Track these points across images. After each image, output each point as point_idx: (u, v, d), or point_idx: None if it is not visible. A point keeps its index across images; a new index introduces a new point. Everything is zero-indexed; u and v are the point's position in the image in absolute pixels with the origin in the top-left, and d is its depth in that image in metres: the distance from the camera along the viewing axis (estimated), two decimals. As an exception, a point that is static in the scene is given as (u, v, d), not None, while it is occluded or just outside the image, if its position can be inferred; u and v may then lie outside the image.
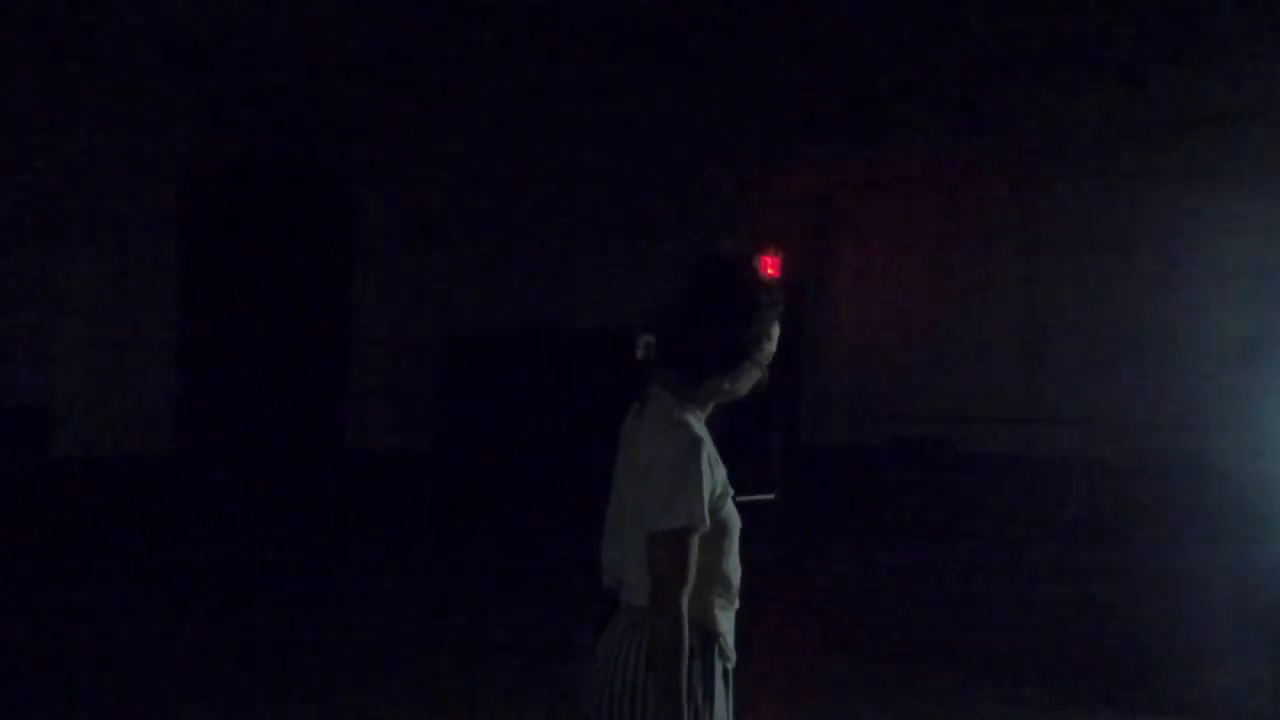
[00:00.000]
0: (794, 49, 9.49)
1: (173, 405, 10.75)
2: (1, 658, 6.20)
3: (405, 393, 11.90)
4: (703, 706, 2.31)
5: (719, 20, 8.87)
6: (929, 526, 10.83)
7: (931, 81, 10.02)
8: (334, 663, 6.45)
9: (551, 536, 10.47)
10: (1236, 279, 9.00)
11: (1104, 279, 10.67)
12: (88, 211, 10.30)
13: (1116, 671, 6.32)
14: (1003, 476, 10.93)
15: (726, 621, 2.37)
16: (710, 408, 2.49)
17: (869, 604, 7.95)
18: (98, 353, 10.42)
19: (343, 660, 6.52)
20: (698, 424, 2.38)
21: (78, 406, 10.22)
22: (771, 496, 12.79)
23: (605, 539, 2.52)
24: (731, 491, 2.37)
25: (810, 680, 6.29)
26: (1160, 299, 10.03)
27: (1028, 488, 10.61)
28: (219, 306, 11.02)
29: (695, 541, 2.26)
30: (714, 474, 2.33)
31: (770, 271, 11.06)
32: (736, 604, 2.39)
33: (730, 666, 2.38)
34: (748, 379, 2.48)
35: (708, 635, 2.34)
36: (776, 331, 2.47)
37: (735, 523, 2.37)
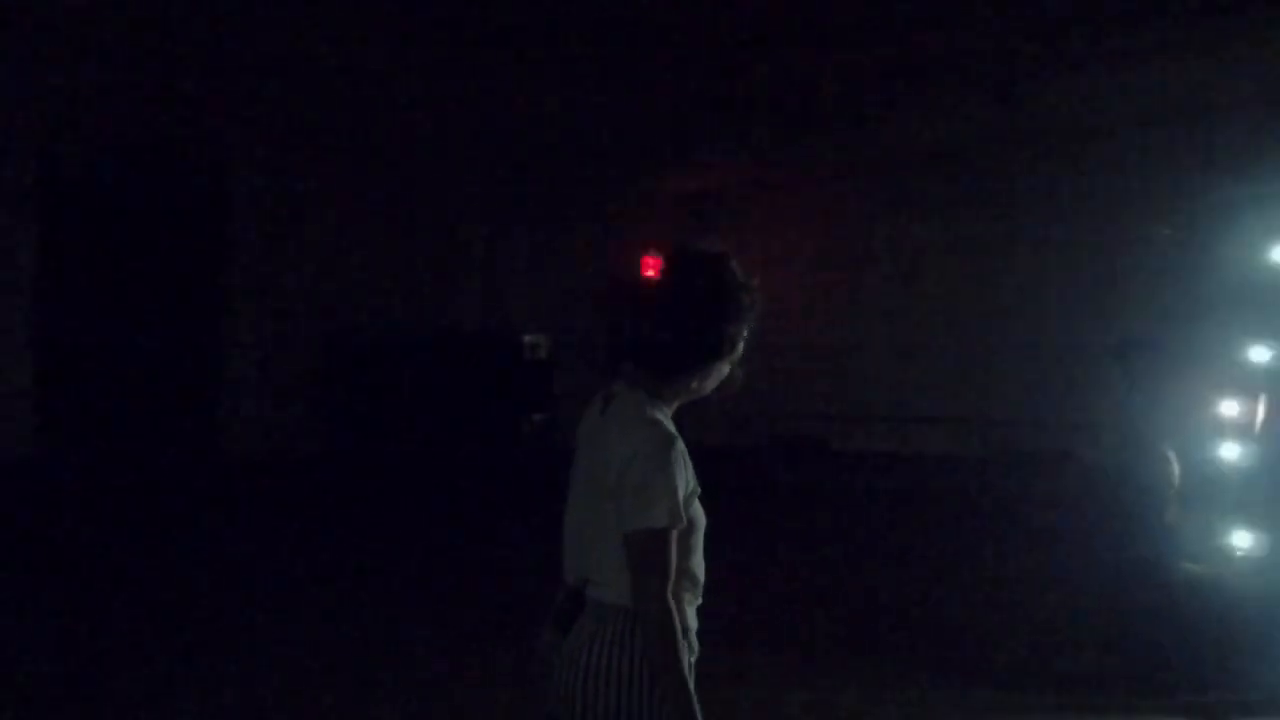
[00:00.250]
0: (675, 51, 9.57)
1: (30, 403, 10.20)
2: None
3: (282, 393, 11.56)
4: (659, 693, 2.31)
5: (602, 20, 8.90)
6: (807, 523, 11.03)
7: (811, 86, 10.22)
8: (192, 667, 6.22)
9: (433, 537, 10.34)
10: (1109, 284, 9.39)
11: (977, 283, 11.04)
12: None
13: (996, 652, 6.52)
14: (878, 474, 11.20)
15: (692, 616, 2.39)
16: (676, 406, 2.46)
17: (754, 600, 8.04)
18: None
19: (204, 665, 6.30)
20: (669, 422, 2.37)
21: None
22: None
23: (567, 537, 2.50)
24: (699, 489, 2.37)
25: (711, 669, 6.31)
26: (1032, 303, 10.42)
27: (901, 484, 10.90)
28: (80, 298, 10.48)
29: (674, 539, 2.28)
30: (686, 472, 2.34)
31: (652, 274, 11.17)
32: (700, 599, 2.41)
33: (694, 659, 2.39)
34: (716, 377, 2.47)
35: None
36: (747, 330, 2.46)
37: (702, 520, 2.38)
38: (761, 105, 10.91)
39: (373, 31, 9.14)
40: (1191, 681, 5.87)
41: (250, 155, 11.45)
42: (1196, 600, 6.28)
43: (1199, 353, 6.57)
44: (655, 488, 2.26)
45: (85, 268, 10.51)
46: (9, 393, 10.06)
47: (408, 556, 9.68)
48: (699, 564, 2.39)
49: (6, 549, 8.75)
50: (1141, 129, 9.52)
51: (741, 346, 2.46)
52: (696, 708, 2.26)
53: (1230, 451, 6.33)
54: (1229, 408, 6.32)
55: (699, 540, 2.37)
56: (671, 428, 2.34)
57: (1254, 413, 6.13)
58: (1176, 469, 6.33)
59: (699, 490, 2.36)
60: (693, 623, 2.38)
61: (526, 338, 12.40)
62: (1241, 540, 6.26)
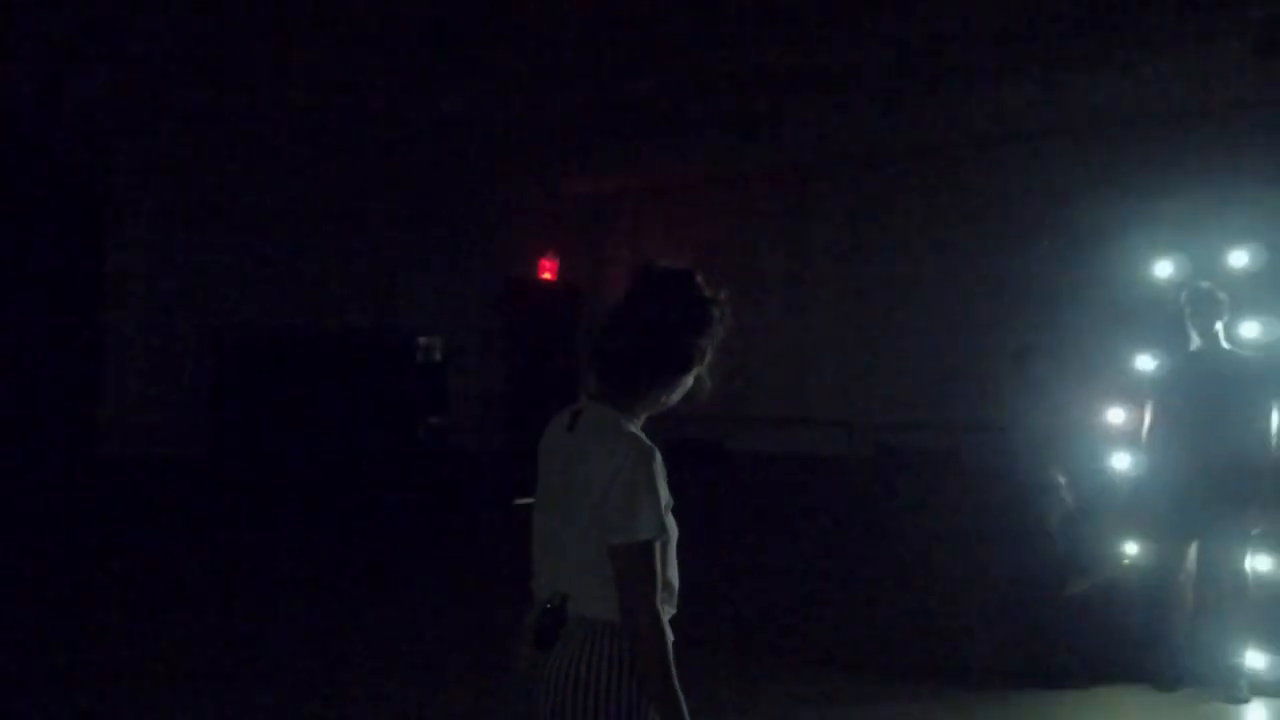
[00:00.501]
0: (572, 53, 9.55)
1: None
2: None
3: (167, 393, 11.13)
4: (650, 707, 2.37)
5: (498, 22, 8.82)
6: (701, 522, 11.14)
7: (707, 91, 10.31)
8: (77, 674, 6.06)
9: (321, 540, 10.16)
10: (996, 291, 9.70)
11: (867, 288, 11.30)
12: None
13: (878, 645, 6.95)
14: (771, 475, 11.37)
15: (668, 627, 2.42)
16: (644, 418, 2.51)
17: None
18: None
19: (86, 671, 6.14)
20: (644, 435, 2.41)
21: None
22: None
23: (539, 553, 2.53)
24: (672, 501, 2.42)
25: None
26: (920, 308, 10.71)
27: (793, 485, 11.08)
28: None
29: (658, 550, 2.34)
30: (664, 483, 2.39)
31: (547, 275, 11.12)
32: (674, 610, 2.45)
33: None
34: (682, 390, 2.52)
35: None
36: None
37: (675, 530, 2.43)
38: (659, 110, 10.97)
39: (269, 24, 8.88)
40: (1086, 670, 6.19)
41: (135, 149, 11.00)
42: (1086, 600, 6.59)
43: (1090, 362, 6.85)
44: (641, 500, 2.31)
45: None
46: None
47: (284, 559, 9.56)
48: (674, 574, 2.44)
49: None
50: (1029, 143, 9.87)
51: (710, 357, 2.52)
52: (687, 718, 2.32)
53: (1119, 459, 6.62)
54: (1116, 415, 6.61)
55: (673, 550, 2.43)
56: (648, 441, 2.40)
57: (1140, 421, 6.42)
58: (1066, 475, 6.60)
59: (672, 502, 2.42)
60: (669, 634, 2.41)
61: (420, 339, 12.23)
62: (1129, 547, 6.57)
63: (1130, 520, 6.49)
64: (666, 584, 2.40)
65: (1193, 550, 6.14)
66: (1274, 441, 5.99)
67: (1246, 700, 5.84)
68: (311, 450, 11.07)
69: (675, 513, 2.42)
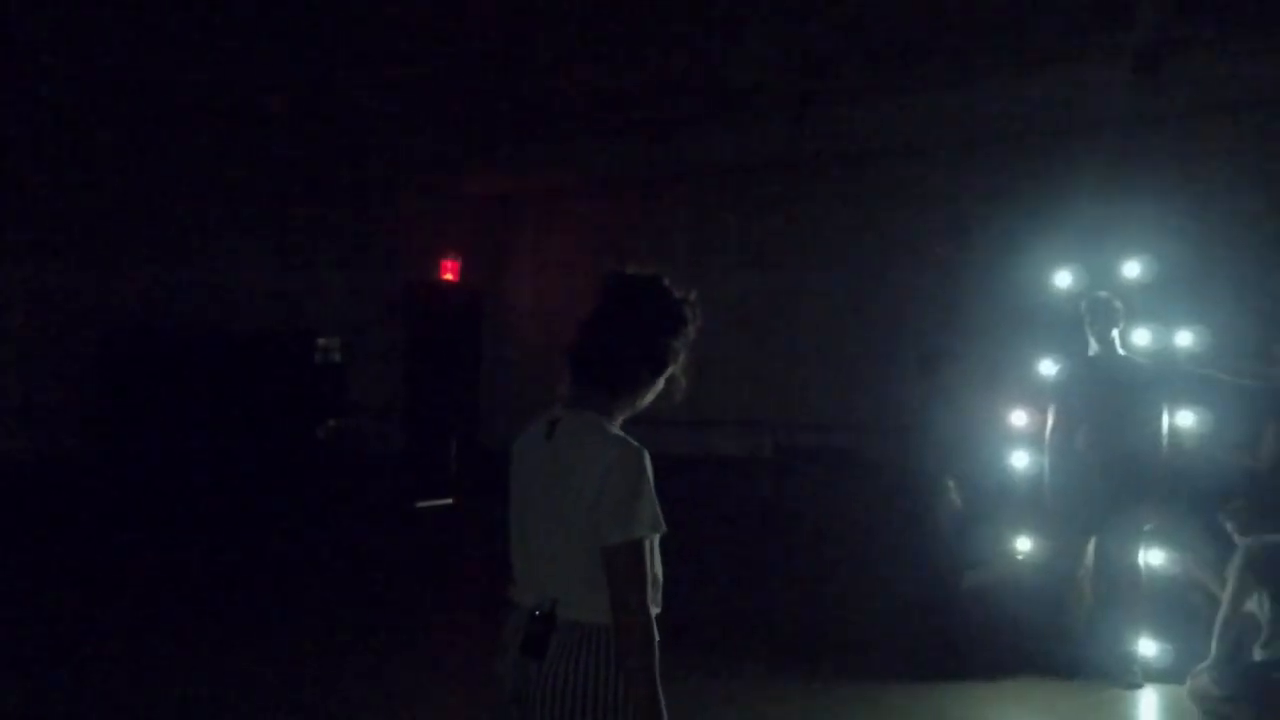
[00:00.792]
0: (474, 52, 9.52)
1: None
2: None
3: (53, 396, 10.70)
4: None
5: (398, 18, 8.75)
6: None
7: (610, 95, 10.39)
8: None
9: (214, 542, 9.93)
10: (900, 295, 9.99)
11: (770, 292, 11.51)
12: None
13: (791, 642, 7.11)
14: (673, 476, 11.48)
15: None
16: (621, 420, 2.58)
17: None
18: None
19: None
20: (630, 437, 2.48)
21: None
22: (449, 501, 12.78)
23: (521, 561, 2.56)
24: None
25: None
26: (822, 311, 10.95)
27: (695, 485, 11.23)
28: None
29: (649, 548, 2.41)
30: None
31: (449, 276, 11.02)
32: (659, 606, 2.50)
33: None
34: (654, 392, 2.61)
35: None
36: None
37: (663, 527, 2.48)
38: (560, 113, 11.00)
39: (164, 13, 8.64)
40: (983, 660, 6.46)
41: (23, 141, 10.55)
42: (982, 595, 6.88)
43: (995, 366, 7.14)
44: (636, 500, 2.38)
45: None
46: None
47: (177, 562, 9.36)
48: (660, 570, 2.51)
49: None
50: (925, 153, 10.19)
51: (684, 357, 2.63)
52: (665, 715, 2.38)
53: (1018, 460, 6.93)
54: (1019, 418, 6.91)
55: (657, 548, 2.50)
56: (636, 442, 2.47)
57: (1041, 423, 6.72)
58: (955, 477, 6.87)
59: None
60: (656, 633, 2.48)
61: (320, 340, 11.99)
62: (1023, 543, 6.88)
63: (1031, 518, 6.79)
64: (655, 579, 2.46)
65: (1091, 546, 6.47)
66: (1165, 442, 6.36)
67: (1140, 686, 6.18)
68: (206, 452, 10.77)
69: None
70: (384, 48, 9.33)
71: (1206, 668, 5.81)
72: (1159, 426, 6.34)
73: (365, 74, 9.83)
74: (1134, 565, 6.32)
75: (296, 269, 12.08)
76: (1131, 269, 6.75)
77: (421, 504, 12.37)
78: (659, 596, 2.49)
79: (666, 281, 2.63)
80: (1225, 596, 5.84)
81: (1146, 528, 6.35)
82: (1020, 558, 6.87)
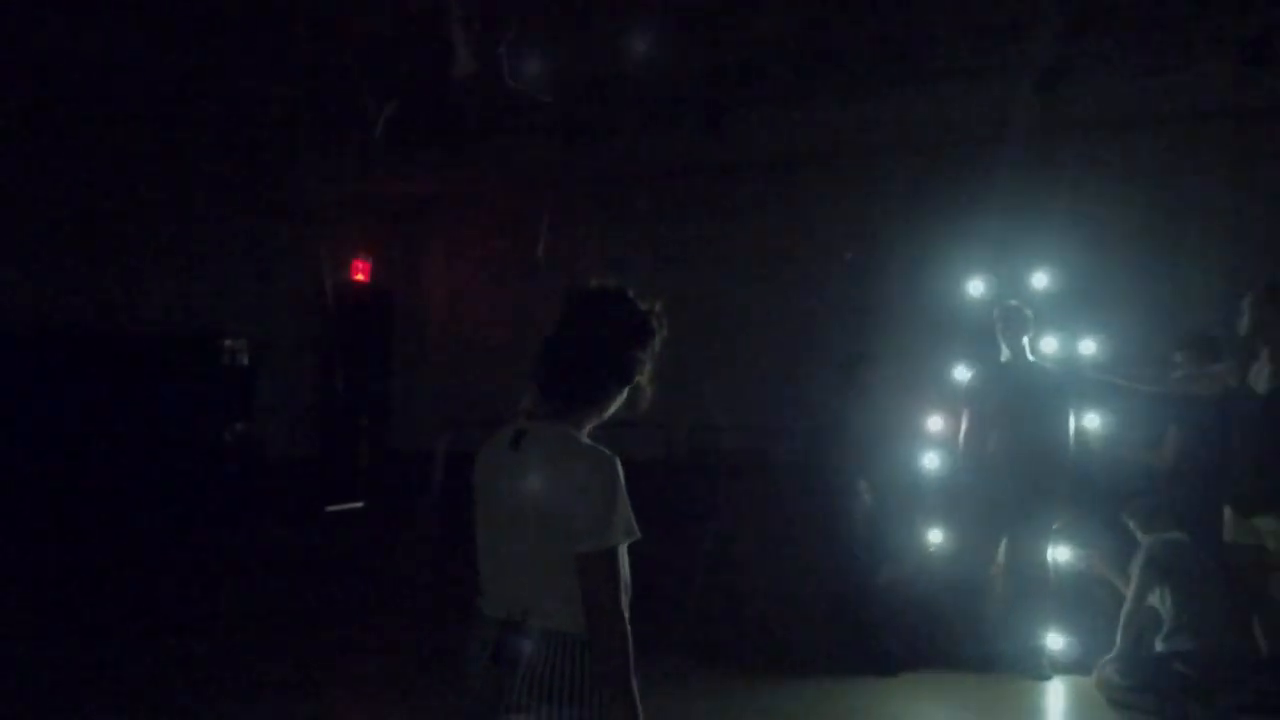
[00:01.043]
0: (385, 53, 9.45)
1: None
2: None
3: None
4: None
5: (305, 15, 8.64)
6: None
7: (526, 98, 10.38)
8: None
9: (114, 550, 9.69)
10: (814, 302, 10.19)
11: (680, 297, 11.61)
12: None
13: (714, 641, 7.26)
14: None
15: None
16: (588, 429, 2.61)
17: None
18: None
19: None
20: (601, 445, 2.52)
21: None
22: (360, 504, 12.63)
23: (489, 572, 2.58)
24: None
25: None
26: (730, 315, 11.11)
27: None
28: None
29: (622, 554, 2.44)
30: None
31: (360, 277, 10.89)
32: (629, 610, 2.53)
33: None
34: (619, 402, 2.65)
35: None
36: None
37: (637, 533, 2.52)
38: (475, 114, 10.95)
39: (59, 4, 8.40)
40: (910, 657, 6.67)
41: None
42: (897, 590, 7.09)
43: (911, 370, 7.37)
44: (611, 508, 2.42)
45: None
46: None
47: (76, 571, 9.12)
48: (628, 573, 2.53)
49: None
50: (839, 160, 10.41)
51: (650, 368, 2.67)
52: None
53: (929, 460, 7.17)
54: (935, 422, 7.15)
55: (626, 554, 2.53)
56: (607, 450, 2.50)
57: (956, 426, 6.97)
58: (867, 478, 7.07)
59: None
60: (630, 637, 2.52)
61: (225, 341, 11.73)
62: (935, 537, 7.13)
63: (945, 517, 7.03)
64: (625, 584, 2.49)
65: (1002, 544, 6.73)
66: (1072, 444, 6.65)
67: (1049, 678, 6.46)
68: (107, 456, 10.45)
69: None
70: (289, 46, 9.20)
71: (1111, 659, 6.11)
72: (1067, 429, 6.63)
73: (271, 73, 9.67)
74: (1043, 563, 6.60)
75: (203, 271, 11.79)
76: (1040, 279, 7.05)
77: (331, 507, 12.22)
78: (629, 601, 2.51)
79: (631, 293, 2.68)
80: (1129, 591, 6.14)
81: (1055, 526, 6.64)
82: (931, 550, 7.10)
